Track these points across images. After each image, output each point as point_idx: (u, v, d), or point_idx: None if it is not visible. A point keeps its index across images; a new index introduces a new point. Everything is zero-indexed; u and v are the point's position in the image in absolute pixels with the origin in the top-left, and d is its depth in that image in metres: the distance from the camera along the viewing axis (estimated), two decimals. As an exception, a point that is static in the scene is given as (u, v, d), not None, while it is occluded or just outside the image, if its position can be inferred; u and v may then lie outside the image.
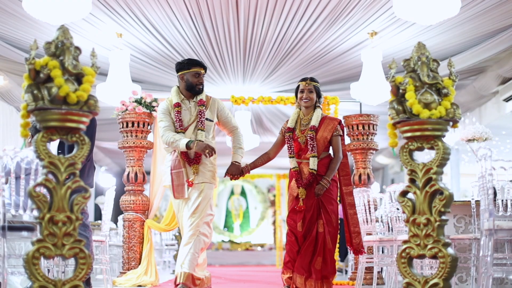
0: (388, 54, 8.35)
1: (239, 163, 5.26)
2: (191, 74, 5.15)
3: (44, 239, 3.01)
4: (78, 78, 3.11)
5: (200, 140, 5.08)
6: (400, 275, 3.45)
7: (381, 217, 6.04)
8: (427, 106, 3.34)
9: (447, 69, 9.30)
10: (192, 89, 5.17)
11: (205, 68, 5.27)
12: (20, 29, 7.67)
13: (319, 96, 5.26)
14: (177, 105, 5.17)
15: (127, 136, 7.36)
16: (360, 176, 7.47)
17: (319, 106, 5.27)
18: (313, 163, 5.08)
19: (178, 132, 5.13)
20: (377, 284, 6.65)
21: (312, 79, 5.25)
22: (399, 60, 8.18)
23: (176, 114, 5.15)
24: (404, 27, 7.64)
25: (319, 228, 5.03)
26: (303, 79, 5.27)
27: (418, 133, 3.37)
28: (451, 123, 3.39)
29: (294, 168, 5.19)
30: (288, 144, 5.25)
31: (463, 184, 14.12)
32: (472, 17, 7.31)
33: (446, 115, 3.34)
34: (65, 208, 3.05)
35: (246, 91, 10.06)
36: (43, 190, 3.07)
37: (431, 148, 3.37)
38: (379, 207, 6.25)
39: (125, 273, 7.20)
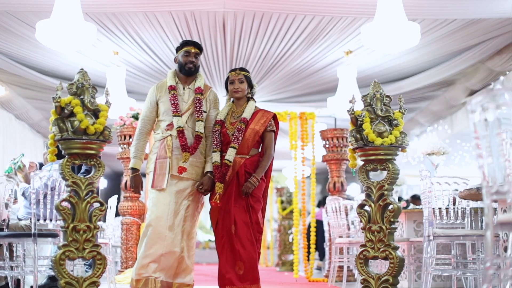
0: (362, 71, 8.96)
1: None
2: (181, 53, 4.77)
3: (69, 244, 3.72)
4: (95, 113, 3.83)
5: (138, 175, 4.65)
6: (358, 273, 4.18)
7: (352, 222, 6.72)
8: (380, 135, 4.08)
9: (417, 83, 9.97)
10: (182, 69, 4.76)
11: (198, 47, 4.82)
12: (22, 47, 8.22)
13: (251, 86, 4.85)
14: (172, 88, 4.73)
15: (125, 148, 7.90)
16: (334, 184, 8.13)
17: (252, 98, 4.86)
18: (229, 154, 4.63)
19: (174, 116, 4.66)
20: (349, 281, 7.33)
21: (242, 69, 4.83)
22: (368, 82, 8.83)
23: (172, 98, 4.70)
24: (376, 47, 8.30)
25: (233, 230, 4.59)
26: (233, 70, 4.84)
27: (372, 157, 4.12)
28: (400, 149, 4.14)
29: (214, 162, 4.69)
30: (214, 136, 4.74)
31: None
32: (436, 40, 7.99)
33: (396, 142, 4.09)
34: (85, 219, 3.76)
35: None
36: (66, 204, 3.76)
37: (383, 169, 4.12)
38: (349, 213, 6.93)
39: (123, 271, 7.80)
